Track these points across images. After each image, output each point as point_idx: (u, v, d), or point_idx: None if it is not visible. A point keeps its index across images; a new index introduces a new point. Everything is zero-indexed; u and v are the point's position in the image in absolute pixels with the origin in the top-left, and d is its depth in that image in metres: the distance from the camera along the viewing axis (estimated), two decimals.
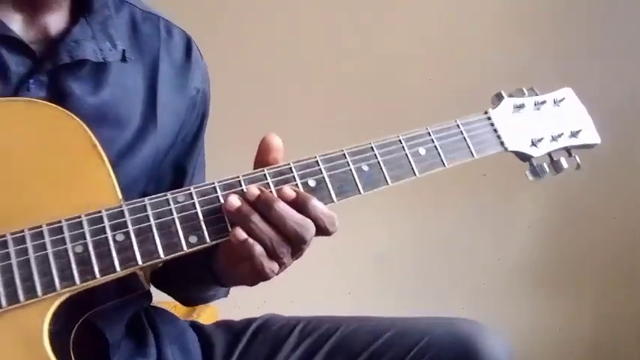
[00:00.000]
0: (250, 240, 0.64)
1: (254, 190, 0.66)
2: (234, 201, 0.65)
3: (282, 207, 0.65)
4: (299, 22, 1.85)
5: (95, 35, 0.78)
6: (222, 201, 0.67)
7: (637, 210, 1.86)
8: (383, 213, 1.79)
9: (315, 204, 0.66)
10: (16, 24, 0.74)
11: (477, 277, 1.92)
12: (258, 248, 0.64)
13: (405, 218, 1.89)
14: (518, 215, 1.92)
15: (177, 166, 0.90)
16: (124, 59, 0.80)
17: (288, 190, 0.67)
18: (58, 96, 0.71)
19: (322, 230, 0.67)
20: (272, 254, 0.65)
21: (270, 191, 0.67)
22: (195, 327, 0.93)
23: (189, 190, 0.67)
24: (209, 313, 1.44)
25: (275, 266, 0.66)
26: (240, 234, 0.64)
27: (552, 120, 0.87)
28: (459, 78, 1.83)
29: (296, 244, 0.66)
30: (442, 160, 0.77)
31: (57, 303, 0.61)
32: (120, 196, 0.66)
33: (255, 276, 0.68)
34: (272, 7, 1.82)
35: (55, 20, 0.77)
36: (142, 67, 0.83)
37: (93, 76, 0.77)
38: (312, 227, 0.66)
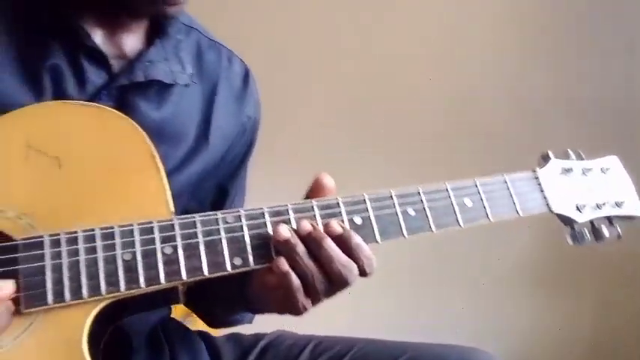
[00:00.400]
0: (292, 273, 0.65)
1: (306, 225, 0.67)
2: (284, 232, 0.66)
3: (331, 246, 0.66)
4: (299, 22, 1.86)
5: (168, 57, 0.82)
6: (269, 227, 0.68)
7: None
8: None
9: (360, 243, 0.67)
10: (98, 38, 0.78)
11: (476, 277, 1.90)
12: (297, 282, 0.65)
13: None
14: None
15: (220, 188, 0.93)
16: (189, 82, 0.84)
17: (336, 226, 0.67)
18: (125, 108, 0.74)
19: (359, 272, 0.67)
20: (310, 291, 0.66)
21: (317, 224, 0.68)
22: (205, 338, 0.93)
23: (238, 212, 0.68)
24: None
25: (309, 303, 0.67)
26: (284, 265, 0.65)
27: (598, 188, 0.87)
28: (459, 78, 1.83)
29: (337, 285, 0.66)
30: (487, 214, 0.77)
31: (100, 307, 0.62)
32: (172, 209, 0.67)
33: (287, 308, 0.68)
34: (272, 8, 1.83)
35: (132, 39, 0.81)
36: (202, 91, 0.87)
37: (158, 93, 0.81)
38: (356, 270, 0.66)
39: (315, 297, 0.66)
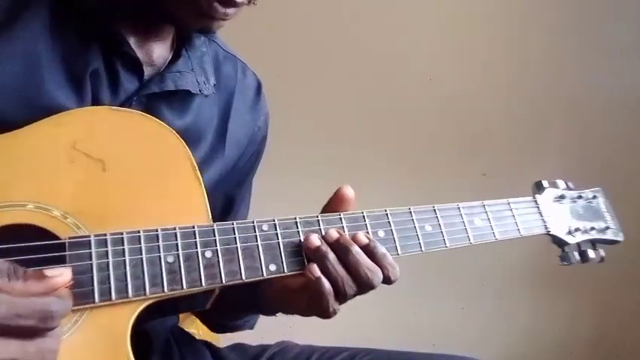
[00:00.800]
0: (323, 278, 0.69)
1: (334, 233, 0.72)
2: (315, 240, 0.71)
3: (358, 252, 0.71)
4: (299, 22, 1.87)
5: (194, 68, 0.85)
6: (301, 236, 0.72)
7: (637, 209, 1.82)
8: None
9: (385, 252, 0.72)
10: (132, 45, 0.80)
11: (476, 277, 1.89)
12: (328, 287, 0.70)
13: None
14: None
15: (227, 196, 0.96)
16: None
17: (363, 237, 0.72)
18: (151, 115, 0.76)
19: (385, 279, 0.72)
20: (339, 294, 0.70)
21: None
22: (210, 348, 0.95)
23: (273, 221, 0.71)
24: None
25: (338, 306, 0.71)
26: (316, 271, 0.69)
27: (586, 214, 0.95)
28: (459, 78, 1.85)
29: (363, 288, 0.71)
30: (493, 233, 0.83)
31: (143, 306, 0.64)
32: (210, 217, 0.70)
33: (317, 312, 0.72)
34: (272, 8, 1.77)
35: (161, 48, 0.84)
36: (219, 101, 0.90)
37: (181, 102, 0.84)
38: (380, 274, 0.71)
39: (343, 300, 0.71)
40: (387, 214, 0.77)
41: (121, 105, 0.76)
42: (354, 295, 0.72)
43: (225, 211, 0.95)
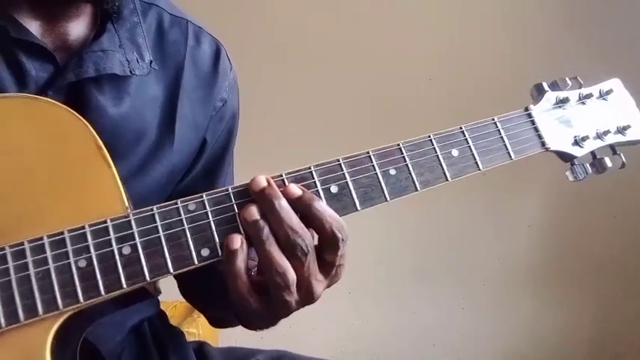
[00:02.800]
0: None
1: (261, 181, 0.60)
2: (253, 213, 0.59)
3: (283, 206, 0.59)
4: (299, 21, 1.86)
5: (122, 44, 0.72)
6: (236, 210, 0.61)
7: (637, 209, 1.85)
8: (383, 213, 1.76)
9: (324, 207, 0.60)
10: (35, 29, 0.69)
11: (477, 277, 1.92)
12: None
13: (405, 218, 1.88)
14: (518, 215, 1.92)
15: (207, 182, 0.84)
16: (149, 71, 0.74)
17: (295, 189, 0.60)
18: (78, 105, 0.66)
19: (328, 236, 0.60)
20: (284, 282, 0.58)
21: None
22: (201, 351, 0.87)
23: (201, 197, 0.61)
24: None
25: (293, 297, 0.60)
26: (235, 241, 0.58)
27: (598, 115, 0.79)
28: (459, 78, 1.85)
29: (294, 259, 0.59)
30: (477, 163, 0.70)
31: (60, 321, 0.57)
32: (127, 204, 0.61)
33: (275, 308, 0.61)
34: (272, 8, 1.83)
35: (76, 26, 0.72)
36: (165, 77, 0.77)
37: (114, 86, 0.72)
38: (309, 237, 0.59)
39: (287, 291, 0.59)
40: (340, 165, 0.65)
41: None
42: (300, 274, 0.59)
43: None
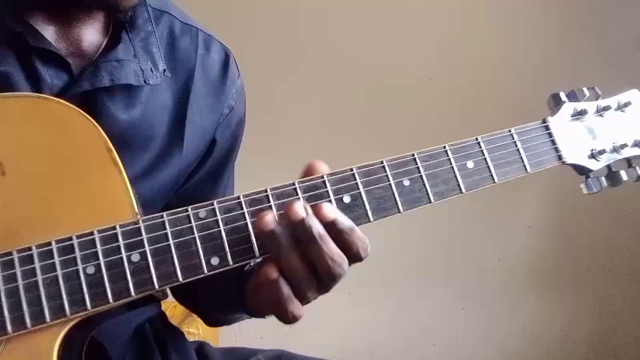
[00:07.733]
0: (281, 280, 0.58)
1: (296, 210, 0.57)
2: (269, 222, 0.57)
3: (322, 235, 0.57)
4: (299, 22, 1.85)
5: (137, 53, 0.72)
6: (247, 218, 0.60)
7: (637, 210, 1.83)
8: None
9: (352, 226, 0.59)
10: (50, 35, 0.68)
11: (477, 277, 1.92)
12: (287, 291, 0.58)
13: (405, 218, 1.84)
14: (518, 215, 1.91)
15: (209, 187, 0.84)
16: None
17: (328, 210, 0.58)
18: (91, 110, 0.65)
19: (352, 256, 0.59)
20: (299, 293, 0.59)
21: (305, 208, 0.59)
22: (202, 351, 0.86)
23: (212, 205, 0.60)
24: None
25: (298, 310, 0.60)
26: (272, 272, 0.58)
27: (615, 128, 0.78)
28: (459, 78, 1.84)
29: (327, 283, 0.59)
30: (492, 176, 0.69)
31: (67, 328, 0.56)
32: (137, 210, 0.60)
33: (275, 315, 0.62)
34: (272, 9, 1.81)
35: (89, 32, 0.71)
36: (175, 85, 0.77)
37: (126, 93, 0.72)
38: (346, 265, 0.59)
39: (304, 299, 0.59)
40: (353, 174, 0.64)
41: None
42: (319, 290, 0.60)
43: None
